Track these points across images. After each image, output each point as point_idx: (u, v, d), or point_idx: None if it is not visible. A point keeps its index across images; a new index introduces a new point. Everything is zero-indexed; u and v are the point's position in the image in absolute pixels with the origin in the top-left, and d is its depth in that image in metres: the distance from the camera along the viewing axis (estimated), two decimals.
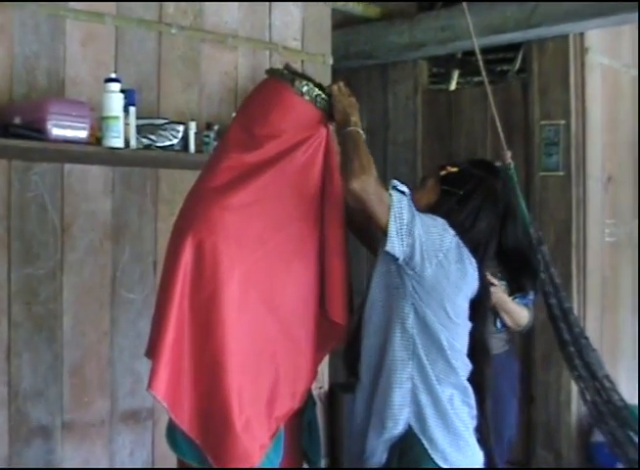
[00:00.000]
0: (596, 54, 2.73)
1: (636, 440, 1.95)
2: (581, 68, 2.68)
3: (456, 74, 3.36)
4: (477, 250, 1.34)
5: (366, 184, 1.20)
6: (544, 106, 2.71)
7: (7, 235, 1.80)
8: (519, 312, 1.75)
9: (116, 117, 1.72)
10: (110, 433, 1.97)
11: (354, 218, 1.39)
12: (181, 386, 1.21)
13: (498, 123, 2.08)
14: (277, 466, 1.28)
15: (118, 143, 1.72)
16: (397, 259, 1.25)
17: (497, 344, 1.72)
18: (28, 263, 1.83)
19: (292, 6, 2.38)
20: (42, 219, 1.85)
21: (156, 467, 2.05)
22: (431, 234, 1.26)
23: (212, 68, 2.18)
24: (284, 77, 1.32)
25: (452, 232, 1.30)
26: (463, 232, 1.32)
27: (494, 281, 1.61)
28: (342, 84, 1.33)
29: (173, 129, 1.92)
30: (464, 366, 1.31)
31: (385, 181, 1.25)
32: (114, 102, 1.72)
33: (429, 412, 1.26)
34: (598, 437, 2.38)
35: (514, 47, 2.99)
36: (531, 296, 1.78)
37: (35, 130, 1.62)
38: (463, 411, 1.29)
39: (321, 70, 2.42)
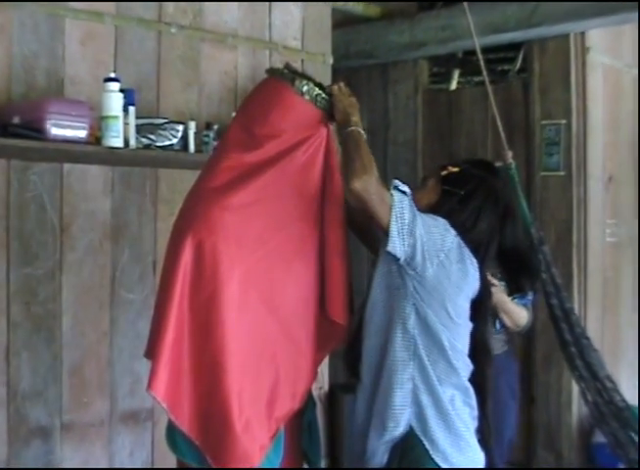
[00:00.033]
0: (597, 53, 2.73)
1: (637, 440, 1.94)
2: (582, 67, 2.67)
3: (457, 74, 3.35)
4: (478, 250, 1.34)
5: (368, 184, 1.20)
6: (545, 105, 2.71)
7: (6, 235, 1.79)
8: (518, 313, 1.75)
9: (116, 117, 1.71)
10: (109, 433, 1.96)
11: (355, 218, 1.38)
12: (181, 386, 1.20)
13: (499, 123, 2.08)
14: (277, 467, 1.27)
15: (118, 143, 1.72)
16: (399, 260, 1.25)
17: (496, 344, 1.72)
18: (27, 263, 1.83)
19: (292, 5, 2.37)
20: (41, 219, 1.85)
21: (155, 468, 2.04)
22: (432, 234, 1.25)
23: (212, 67, 2.17)
24: (284, 77, 1.31)
25: (453, 232, 1.29)
26: (464, 232, 1.32)
27: (494, 281, 1.60)
28: (342, 84, 1.33)
29: (173, 129, 1.91)
30: (465, 367, 1.31)
31: (385, 181, 1.25)
32: (114, 101, 1.72)
33: (430, 413, 1.26)
34: (599, 438, 2.38)
35: (514, 46, 2.98)
36: (530, 296, 1.78)
37: (34, 130, 1.62)
38: (464, 412, 1.29)
39: (321, 69, 2.41)
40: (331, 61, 2.48)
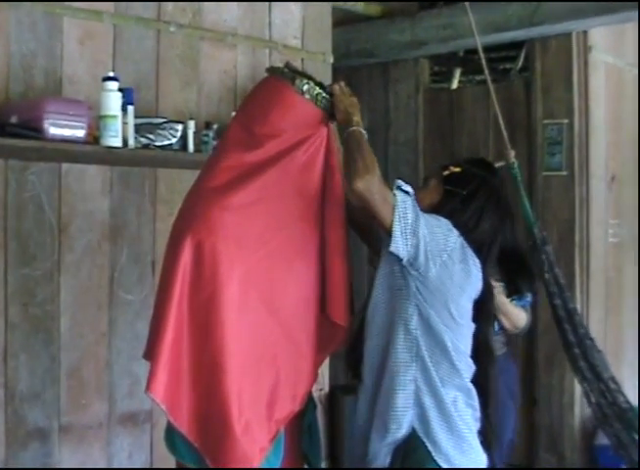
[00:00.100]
0: (600, 52, 2.72)
1: (638, 441, 1.93)
2: (585, 66, 2.67)
3: (458, 73, 3.34)
4: (480, 250, 1.33)
5: (370, 184, 1.19)
6: (547, 105, 2.70)
7: (4, 235, 1.79)
8: (517, 314, 1.74)
9: (114, 117, 1.71)
10: (108, 436, 1.95)
11: (356, 218, 1.38)
12: (180, 388, 1.20)
13: (501, 122, 2.07)
14: (277, 469, 1.26)
15: (116, 142, 1.71)
16: (401, 260, 1.24)
17: (495, 346, 1.70)
18: (25, 264, 1.82)
19: (292, 4, 2.36)
20: (39, 219, 1.84)
21: (154, 468, 2.03)
22: (435, 234, 1.25)
23: (211, 66, 2.17)
24: (284, 76, 1.31)
25: (456, 232, 1.29)
26: (466, 232, 1.31)
27: (493, 282, 1.59)
28: (342, 84, 1.32)
29: (172, 128, 1.91)
30: (468, 368, 1.30)
31: (386, 181, 1.24)
32: (112, 101, 1.71)
33: (432, 415, 1.25)
34: (602, 439, 2.37)
35: (516, 45, 2.97)
36: (529, 298, 1.78)
37: (32, 129, 1.61)
38: (467, 414, 1.29)
39: (321, 68, 2.40)
40: (331, 60, 2.47)
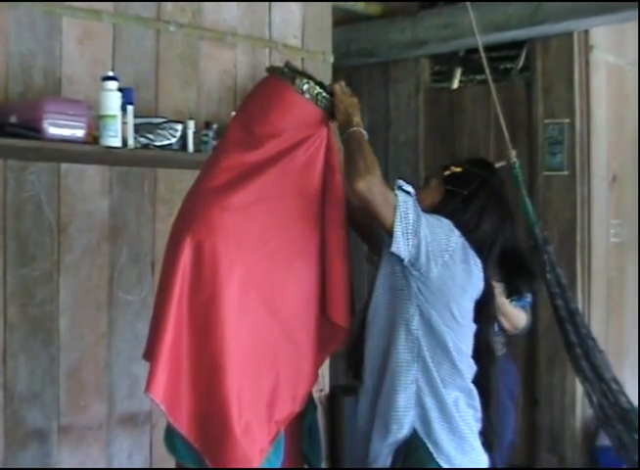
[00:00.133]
0: (601, 51, 2.71)
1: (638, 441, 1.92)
2: (586, 65, 2.66)
3: (459, 73, 3.33)
4: (481, 250, 1.33)
5: (371, 184, 1.19)
6: (548, 104, 2.69)
7: (3, 235, 1.78)
8: (516, 315, 1.73)
9: (114, 116, 1.70)
10: (107, 436, 1.95)
11: (357, 218, 1.37)
12: (180, 389, 1.19)
13: (503, 122, 2.06)
14: None
15: (116, 142, 1.71)
16: (403, 261, 1.24)
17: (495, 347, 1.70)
18: (24, 264, 1.81)
19: (292, 3, 2.35)
20: (38, 220, 1.83)
21: (154, 469, 2.03)
22: (436, 235, 1.24)
23: (211, 66, 2.16)
24: (284, 76, 1.30)
25: (457, 233, 1.28)
26: (468, 232, 1.31)
27: (493, 283, 1.58)
28: (343, 84, 1.32)
29: (171, 128, 1.90)
30: (469, 368, 1.30)
31: (387, 181, 1.24)
32: (112, 100, 1.70)
33: (434, 415, 1.25)
34: (603, 440, 2.36)
35: (517, 45, 2.96)
36: (529, 298, 1.77)
37: (31, 129, 1.61)
38: (468, 414, 1.28)
39: (321, 68, 2.40)
40: (331, 59, 2.46)
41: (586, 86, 2.66)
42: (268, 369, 1.24)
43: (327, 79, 2.26)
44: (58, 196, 1.86)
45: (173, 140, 1.91)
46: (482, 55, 2.10)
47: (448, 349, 1.25)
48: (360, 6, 2.91)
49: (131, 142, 1.78)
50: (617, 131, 2.84)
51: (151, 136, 1.85)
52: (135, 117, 1.80)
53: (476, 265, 1.29)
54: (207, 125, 2.04)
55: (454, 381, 1.26)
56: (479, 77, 3.37)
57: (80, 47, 1.89)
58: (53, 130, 1.61)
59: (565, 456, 2.62)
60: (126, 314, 1.98)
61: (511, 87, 2.87)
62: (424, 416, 1.25)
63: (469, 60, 3.25)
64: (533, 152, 2.72)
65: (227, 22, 2.20)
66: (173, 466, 1.31)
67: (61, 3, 1.85)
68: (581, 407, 2.57)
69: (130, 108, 1.78)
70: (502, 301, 1.69)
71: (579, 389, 2.25)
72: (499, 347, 1.78)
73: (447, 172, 1.39)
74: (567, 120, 2.64)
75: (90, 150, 1.70)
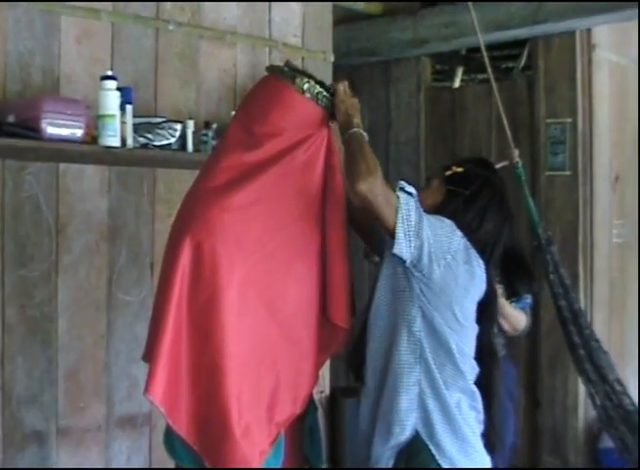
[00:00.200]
0: (604, 50, 2.69)
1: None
2: (588, 64, 2.65)
3: (460, 72, 3.32)
4: (483, 251, 1.32)
5: (373, 186, 1.18)
6: (550, 103, 2.68)
7: (0, 236, 1.77)
8: (516, 317, 1.72)
9: (113, 116, 1.69)
10: (106, 439, 1.94)
11: (357, 218, 1.37)
12: (179, 390, 1.18)
13: (505, 121, 2.05)
14: None
15: (115, 142, 1.70)
16: (405, 262, 1.23)
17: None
18: (22, 265, 1.80)
19: (292, 2, 2.33)
20: (37, 220, 1.82)
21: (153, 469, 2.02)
22: (438, 236, 1.24)
23: (211, 65, 2.15)
24: (284, 75, 1.29)
25: (460, 233, 1.28)
26: (470, 233, 1.30)
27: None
28: (346, 84, 1.31)
29: (171, 128, 1.89)
30: (471, 370, 1.29)
31: (388, 181, 1.23)
32: (111, 100, 1.70)
33: (436, 418, 1.24)
34: (606, 442, 2.35)
35: (519, 44, 2.95)
36: (529, 299, 1.76)
37: (30, 129, 1.60)
38: (470, 416, 1.28)
39: (322, 67, 2.39)
40: (332, 58, 2.45)
41: (589, 85, 2.65)
42: (268, 371, 1.24)
43: (327, 79, 2.25)
44: (56, 196, 1.85)
45: (172, 140, 1.90)
46: (484, 54, 2.08)
47: (451, 350, 1.24)
48: (361, 5, 2.90)
49: (130, 142, 1.77)
50: (619, 131, 2.83)
51: (150, 136, 1.84)
52: (134, 116, 1.80)
53: (478, 266, 1.29)
54: (207, 125, 2.03)
55: (457, 383, 1.25)
56: (480, 76, 3.36)
57: (79, 46, 1.88)
58: (51, 130, 1.60)
59: (567, 458, 2.61)
60: (125, 315, 1.97)
61: (513, 86, 2.86)
62: (426, 418, 1.24)
63: (470, 59, 3.24)
64: (535, 152, 2.71)
65: (227, 20, 2.19)
66: (172, 468, 1.30)
67: (59, 2, 1.84)
68: (584, 409, 2.56)
69: (129, 107, 1.77)
70: (502, 302, 1.68)
71: (582, 390, 2.24)
72: (499, 348, 1.77)
73: (449, 172, 1.39)
74: (569, 120, 2.63)
75: (89, 150, 1.69)
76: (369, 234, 1.42)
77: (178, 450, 1.23)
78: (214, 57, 2.16)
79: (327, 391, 2.45)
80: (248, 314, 1.21)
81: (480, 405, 1.29)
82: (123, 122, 1.74)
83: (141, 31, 2.00)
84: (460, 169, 1.38)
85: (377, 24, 2.98)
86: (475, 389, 1.28)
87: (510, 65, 3.29)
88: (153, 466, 2.03)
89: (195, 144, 1.97)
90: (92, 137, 1.70)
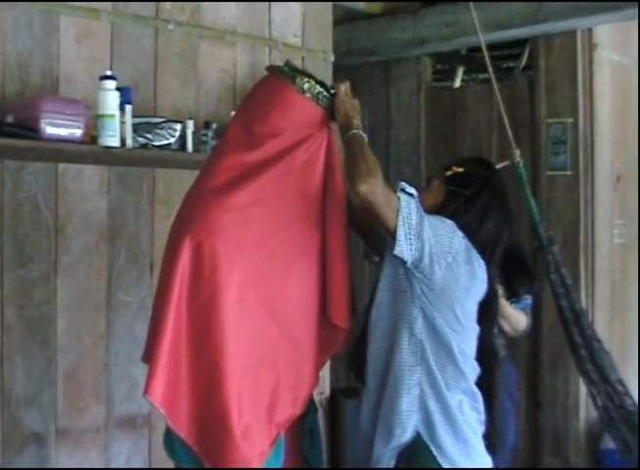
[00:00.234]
0: (605, 50, 2.69)
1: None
2: (590, 64, 2.64)
3: (461, 71, 3.32)
4: (484, 251, 1.32)
5: (374, 187, 1.18)
6: (551, 103, 2.68)
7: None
8: (517, 317, 1.72)
9: (112, 116, 1.69)
10: (105, 440, 1.94)
11: (357, 219, 1.36)
12: (179, 391, 1.18)
13: (506, 121, 2.04)
14: None
15: (114, 142, 1.70)
16: (406, 263, 1.23)
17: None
18: (22, 265, 1.80)
19: (292, 2, 2.33)
20: (36, 220, 1.82)
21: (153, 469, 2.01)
22: (439, 236, 1.23)
23: (210, 65, 2.15)
24: (284, 75, 1.29)
25: (461, 234, 1.28)
26: (471, 233, 1.30)
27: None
28: (348, 85, 1.31)
29: (170, 128, 1.89)
30: (473, 371, 1.29)
31: (388, 182, 1.23)
32: (110, 100, 1.69)
33: (437, 419, 1.24)
34: (607, 443, 2.34)
35: (520, 43, 2.94)
36: (529, 300, 1.76)
37: (29, 129, 1.60)
38: (472, 417, 1.28)
39: (322, 67, 2.38)
40: (332, 58, 2.45)
41: (590, 85, 2.64)
42: (268, 371, 1.23)
43: (327, 79, 2.24)
44: (55, 196, 1.85)
45: (172, 140, 1.90)
46: (485, 53, 2.08)
47: (452, 351, 1.24)
48: (361, 4, 2.90)
49: (129, 142, 1.77)
50: (620, 131, 2.82)
51: (149, 136, 1.84)
52: (133, 116, 1.79)
53: (479, 266, 1.28)
54: (207, 125, 2.03)
55: (458, 384, 1.25)
56: (481, 76, 3.35)
57: (78, 46, 1.88)
58: (50, 130, 1.60)
59: (568, 459, 2.61)
60: (125, 316, 1.97)
61: (513, 86, 2.86)
62: (427, 419, 1.24)
63: (471, 58, 3.23)
64: (536, 151, 2.70)
65: (226, 20, 2.18)
66: (172, 469, 1.30)
67: (59, 2, 1.83)
68: (585, 410, 2.56)
69: (129, 107, 1.77)
70: (502, 303, 1.68)
71: (583, 391, 2.23)
72: (499, 349, 1.76)
73: (449, 172, 1.38)
74: (570, 120, 2.62)
75: (88, 150, 1.69)
76: (369, 234, 1.41)
77: (178, 451, 1.23)
78: (214, 57, 2.15)
79: (327, 392, 2.45)
80: (247, 315, 1.20)
81: (481, 406, 1.28)
82: (123, 122, 1.74)
83: (140, 31, 2.00)
84: (460, 170, 1.38)
85: (377, 24, 2.98)
86: (476, 390, 1.28)
87: (511, 64, 3.28)
88: (152, 467, 2.02)
89: (194, 144, 1.97)
90: (91, 137, 1.70)
